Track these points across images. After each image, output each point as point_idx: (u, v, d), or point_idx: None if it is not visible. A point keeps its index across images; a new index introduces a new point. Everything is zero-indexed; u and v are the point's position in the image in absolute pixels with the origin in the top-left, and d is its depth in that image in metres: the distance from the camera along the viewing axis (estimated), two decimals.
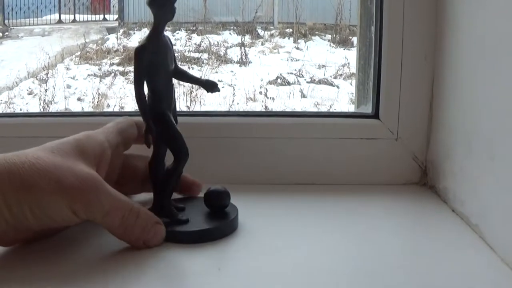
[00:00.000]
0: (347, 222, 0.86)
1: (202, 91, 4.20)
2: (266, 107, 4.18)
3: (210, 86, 0.84)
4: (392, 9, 0.97)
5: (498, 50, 0.75)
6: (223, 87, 4.62)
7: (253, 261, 0.74)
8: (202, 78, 0.84)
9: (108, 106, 4.20)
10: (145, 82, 0.77)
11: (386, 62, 0.98)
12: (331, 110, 4.01)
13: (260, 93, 4.45)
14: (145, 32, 5.75)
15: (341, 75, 4.76)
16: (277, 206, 0.92)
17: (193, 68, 4.83)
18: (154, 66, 0.78)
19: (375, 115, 1.01)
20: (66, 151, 0.73)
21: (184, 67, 4.73)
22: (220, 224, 0.80)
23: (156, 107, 0.79)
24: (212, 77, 4.66)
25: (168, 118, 0.79)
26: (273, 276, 0.70)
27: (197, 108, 3.96)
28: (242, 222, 0.83)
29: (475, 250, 0.76)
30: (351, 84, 4.40)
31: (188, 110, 3.69)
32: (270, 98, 4.36)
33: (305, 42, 5.70)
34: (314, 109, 4.13)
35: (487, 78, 0.78)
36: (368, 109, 1.03)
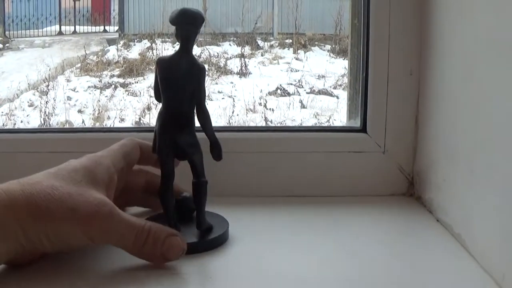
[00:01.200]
0: (337, 233, 0.89)
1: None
2: (265, 118, 4.19)
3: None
4: (378, 27, 0.99)
5: (478, 66, 0.78)
6: (223, 98, 4.63)
7: (243, 271, 0.76)
8: None
9: (109, 118, 4.21)
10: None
11: (373, 78, 1.01)
12: (331, 120, 4.02)
13: (260, 104, 4.46)
14: (145, 43, 5.77)
15: (340, 85, 4.76)
16: (267, 218, 0.94)
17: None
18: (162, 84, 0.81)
19: (363, 129, 1.03)
20: (78, 180, 0.74)
21: None
22: (211, 236, 0.82)
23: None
24: (212, 89, 4.67)
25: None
26: (264, 285, 0.73)
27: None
28: (233, 234, 0.85)
29: (457, 258, 0.79)
30: None
31: None
32: (270, 109, 4.37)
33: (304, 53, 5.69)
34: (314, 120, 4.14)
35: (467, 94, 0.81)
36: (357, 123, 1.05)
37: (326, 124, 3.82)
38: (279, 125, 3.97)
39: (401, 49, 1.00)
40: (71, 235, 0.71)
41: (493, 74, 0.73)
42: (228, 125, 3.85)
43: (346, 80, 4.65)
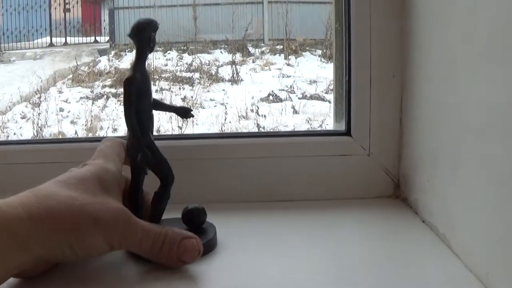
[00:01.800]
0: (325, 236, 0.89)
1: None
2: (258, 124, 4.19)
3: (184, 113, 0.87)
4: (359, 31, 1.00)
5: (459, 68, 0.78)
6: (215, 106, 4.64)
7: (231, 277, 0.76)
8: (175, 105, 0.86)
9: (101, 128, 4.21)
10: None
11: (355, 81, 1.01)
12: (323, 125, 4.02)
13: (252, 110, 4.46)
14: None
15: (332, 90, 4.74)
16: (254, 223, 0.95)
17: (184, 88, 4.84)
18: (140, 96, 0.80)
19: (347, 132, 1.03)
20: (92, 189, 0.74)
21: (176, 87, 4.72)
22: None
23: (142, 135, 0.81)
24: (204, 96, 4.67)
25: (154, 145, 0.82)
26: None
27: (189, 127, 3.96)
28: (221, 240, 0.85)
29: (442, 258, 0.79)
30: None
31: (179, 132, 3.69)
32: (262, 115, 4.37)
33: (296, 58, 5.69)
34: (307, 125, 4.14)
35: (449, 95, 0.81)
36: (342, 126, 1.05)
37: (318, 129, 3.82)
38: (263, 130, 3.97)
39: (383, 51, 1.00)
40: (94, 244, 0.71)
41: (474, 75, 0.74)
42: (208, 132, 3.85)
43: None
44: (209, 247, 0.83)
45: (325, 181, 1.03)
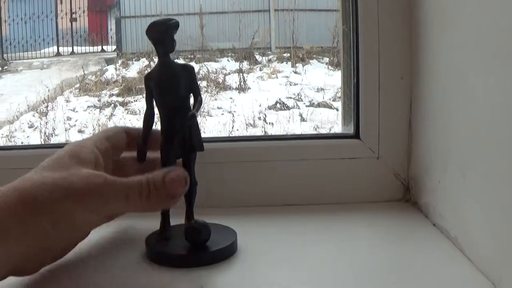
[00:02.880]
0: (338, 242, 0.88)
1: (201, 119, 4.20)
2: (265, 132, 4.19)
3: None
4: (368, 32, 0.99)
5: (469, 70, 0.77)
6: (222, 114, 4.64)
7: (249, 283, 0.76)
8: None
9: None
10: None
11: (364, 83, 1.00)
12: (331, 132, 4.02)
13: (260, 118, 4.46)
14: (143, 61, 5.79)
15: (340, 97, 4.74)
16: (263, 227, 0.94)
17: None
18: (157, 92, 0.83)
19: (356, 135, 1.02)
20: (66, 163, 0.74)
21: None
22: (219, 247, 0.81)
23: (162, 128, 0.83)
24: (212, 105, 4.67)
25: (163, 141, 0.83)
26: None
27: None
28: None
29: (454, 262, 0.78)
30: None
31: None
32: (270, 123, 4.37)
33: (303, 66, 5.69)
34: (314, 133, 4.14)
35: (458, 96, 0.81)
36: (351, 129, 1.04)
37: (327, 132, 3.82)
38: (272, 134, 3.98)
39: (391, 53, 0.99)
40: (74, 213, 0.70)
41: (483, 77, 0.73)
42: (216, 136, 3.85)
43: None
44: (230, 252, 0.82)
45: (333, 184, 1.02)
